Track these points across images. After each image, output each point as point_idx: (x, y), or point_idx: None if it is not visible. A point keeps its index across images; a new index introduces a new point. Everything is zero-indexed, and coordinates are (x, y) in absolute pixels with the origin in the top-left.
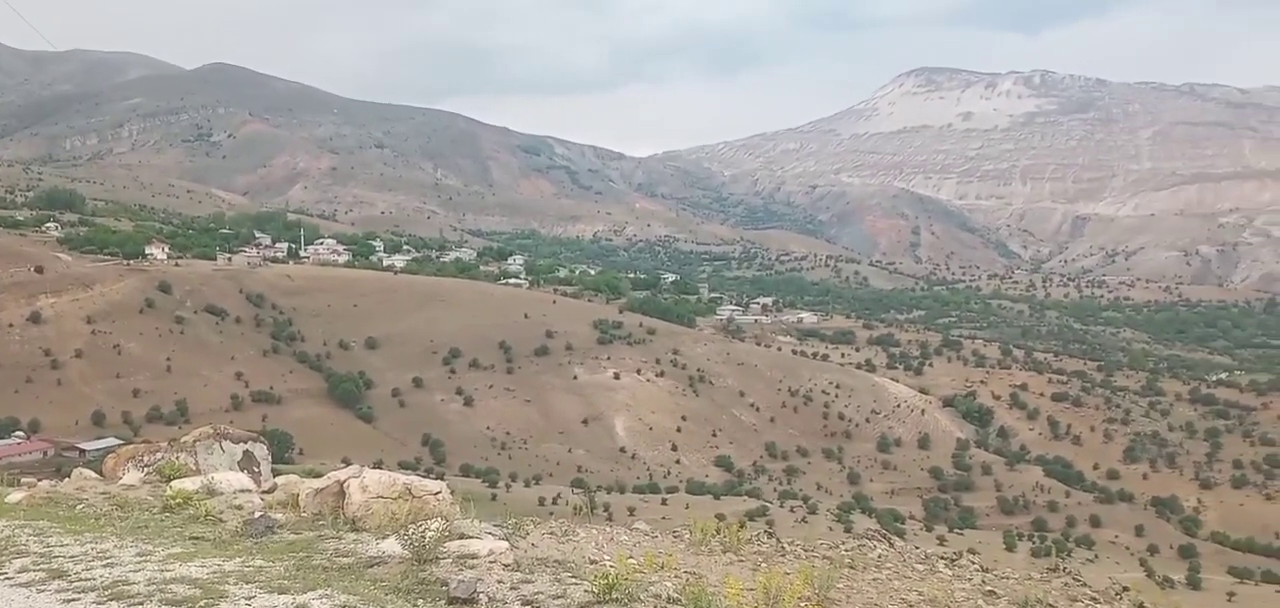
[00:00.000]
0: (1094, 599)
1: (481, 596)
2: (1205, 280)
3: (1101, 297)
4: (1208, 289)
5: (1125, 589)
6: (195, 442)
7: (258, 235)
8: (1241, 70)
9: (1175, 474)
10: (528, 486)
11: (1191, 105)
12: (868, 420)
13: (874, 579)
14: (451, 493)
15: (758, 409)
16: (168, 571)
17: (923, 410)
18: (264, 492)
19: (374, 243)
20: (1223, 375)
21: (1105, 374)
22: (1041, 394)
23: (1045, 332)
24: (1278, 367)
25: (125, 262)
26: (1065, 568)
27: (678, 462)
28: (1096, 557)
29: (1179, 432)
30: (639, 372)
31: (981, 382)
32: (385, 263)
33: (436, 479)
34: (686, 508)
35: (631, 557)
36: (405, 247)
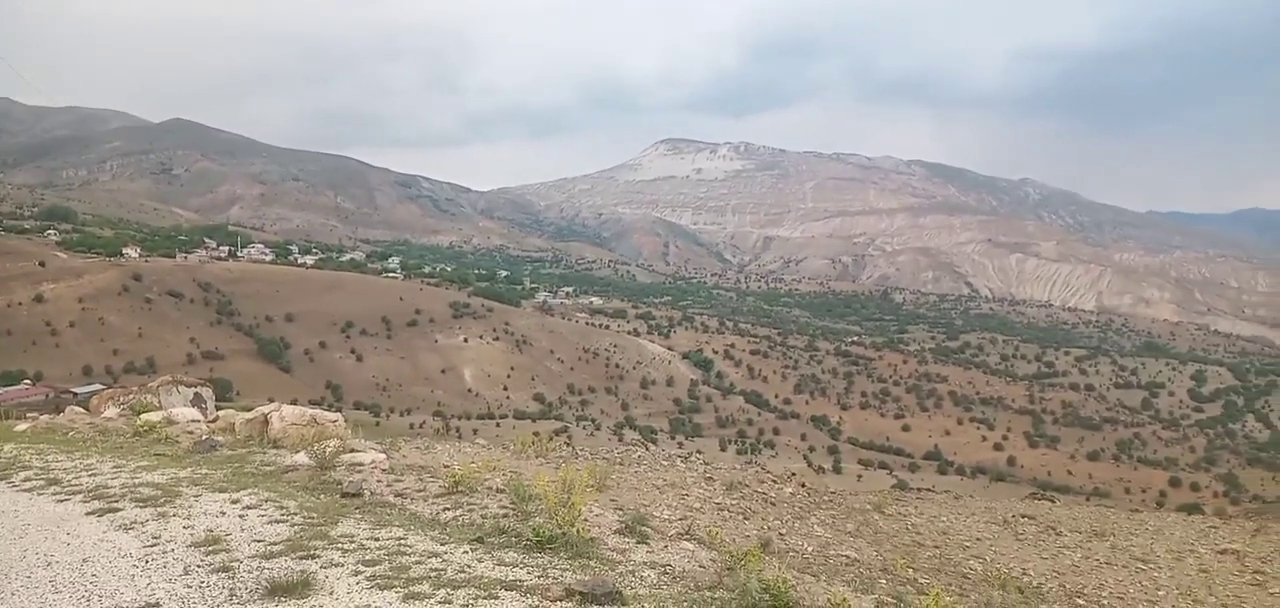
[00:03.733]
0: (775, 480)
1: (365, 490)
2: (845, 279)
3: (781, 288)
4: (846, 284)
5: (794, 474)
6: (159, 386)
7: (207, 241)
8: (869, 145)
9: (826, 400)
10: (402, 416)
11: (838, 167)
12: (634, 368)
13: (636, 472)
14: (346, 421)
15: (562, 361)
16: (137, 478)
17: (669, 361)
18: (210, 422)
19: (291, 247)
20: (855, 338)
21: (783, 337)
22: (744, 350)
23: (746, 310)
24: (887, 333)
25: (108, 258)
26: (757, 461)
27: (507, 397)
28: (777, 454)
29: (828, 374)
30: (481, 337)
31: (706, 342)
32: (299, 261)
33: (335, 412)
34: (513, 429)
35: (473, 462)
36: (314, 250)
